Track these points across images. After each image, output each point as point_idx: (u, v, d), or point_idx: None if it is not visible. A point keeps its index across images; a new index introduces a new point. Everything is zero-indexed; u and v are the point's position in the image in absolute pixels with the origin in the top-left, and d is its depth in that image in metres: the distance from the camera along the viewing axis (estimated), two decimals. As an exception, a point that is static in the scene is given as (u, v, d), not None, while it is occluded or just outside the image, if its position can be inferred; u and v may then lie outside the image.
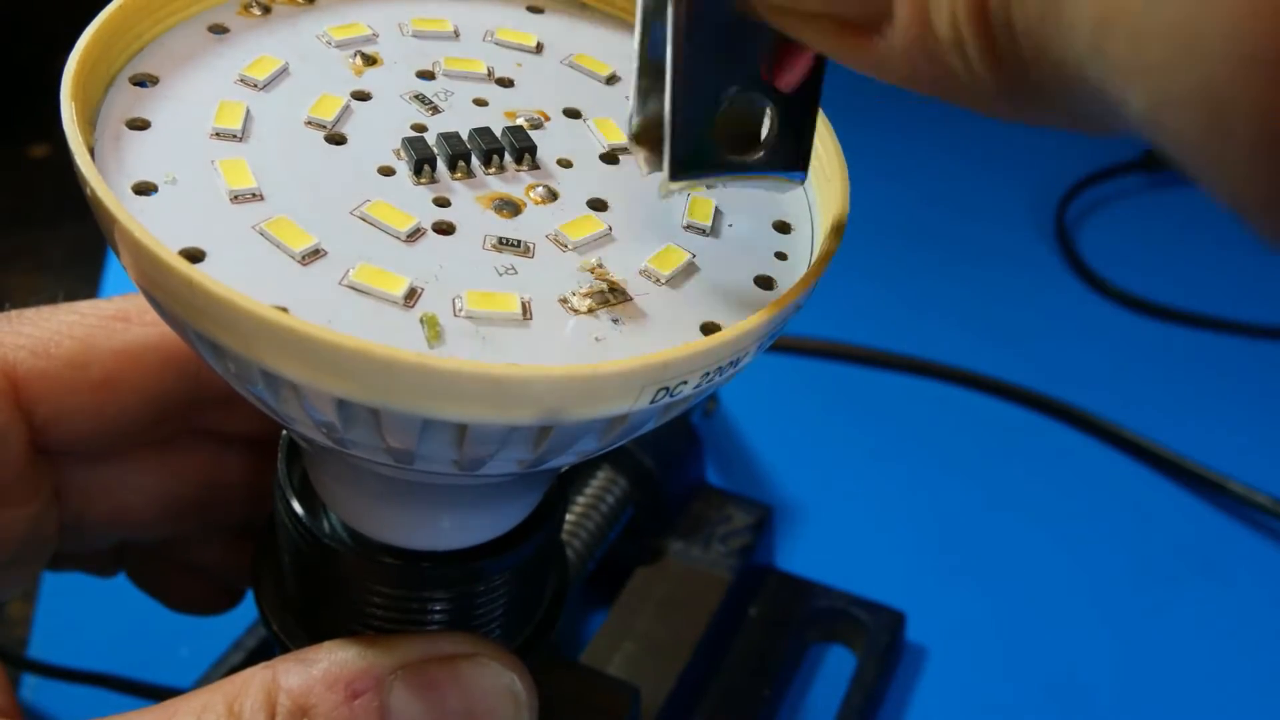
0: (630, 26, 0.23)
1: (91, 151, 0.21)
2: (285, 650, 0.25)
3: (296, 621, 0.28)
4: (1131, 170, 0.70)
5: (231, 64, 0.25)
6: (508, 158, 0.24)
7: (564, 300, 0.21)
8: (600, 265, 0.22)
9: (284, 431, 0.27)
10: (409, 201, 0.22)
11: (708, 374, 0.20)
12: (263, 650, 0.38)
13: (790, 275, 0.23)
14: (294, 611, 0.28)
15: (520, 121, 0.25)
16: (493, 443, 0.19)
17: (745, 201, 0.25)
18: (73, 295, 0.30)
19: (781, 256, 0.24)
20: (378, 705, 0.23)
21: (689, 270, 0.22)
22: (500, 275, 0.21)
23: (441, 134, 0.24)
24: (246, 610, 0.36)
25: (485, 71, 0.26)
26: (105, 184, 0.20)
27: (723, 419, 0.52)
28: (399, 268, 0.21)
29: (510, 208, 0.23)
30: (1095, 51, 0.14)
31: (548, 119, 0.26)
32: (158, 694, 0.38)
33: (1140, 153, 0.70)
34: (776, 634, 0.41)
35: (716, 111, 0.21)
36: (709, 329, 0.21)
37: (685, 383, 0.20)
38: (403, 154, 0.23)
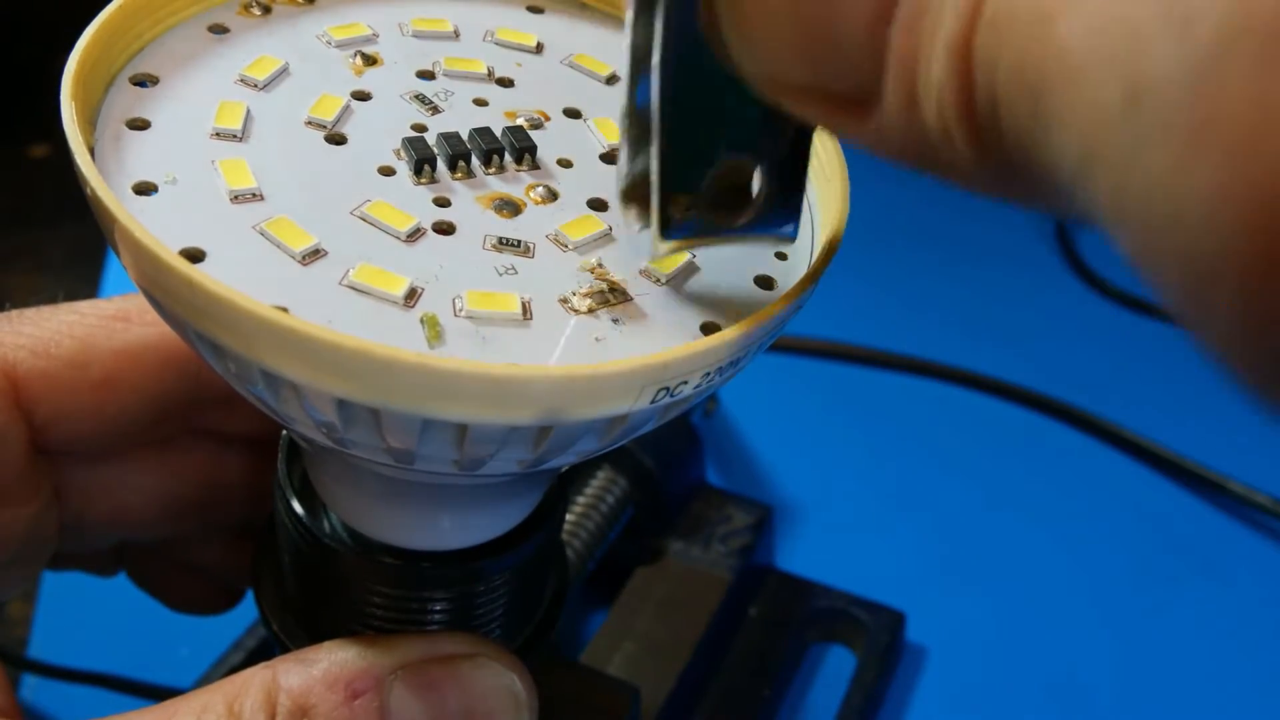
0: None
1: (91, 151, 0.21)
2: (285, 650, 0.25)
3: (296, 621, 0.28)
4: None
5: (231, 64, 0.25)
6: (508, 158, 0.24)
7: (564, 300, 0.21)
8: (600, 265, 0.22)
9: (284, 431, 0.27)
10: (409, 201, 0.22)
11: (708, 374, 0.20)
12: (263, 650, 0.38)
13: (790, 275, 0.23)
14: (294, 611, 0.28)
15: (520, 121, 0.25)
16: (493, 443, 0.19)
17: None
18: (73, 295, 0.30)
19: (781, 256, 0.24)
20: (378, 705, 0.23)
21: (689, 270, 0.22)
22: (500, 275, 0.21)
23: (442, 134, 0.24)
24: (246, 610, 0.36)
25: (485, 71, 0.26)
26: (105, 184, 0.20)
27: (723, 419, 0.52)
28: (399, 268, 0.21)
29: (510, 208, 0.23)
30: (1080, 181, 0.13)
31: (548, 119, 0.26)
32: (158, 694, 0.38)
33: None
34: (776, 634, 0.41)
35: (705, 174, 0.20)
36: (709, 329, 0.21)
37: (685, 383, 0.20)
38: (403, 154, 0.23)
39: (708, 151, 0.20)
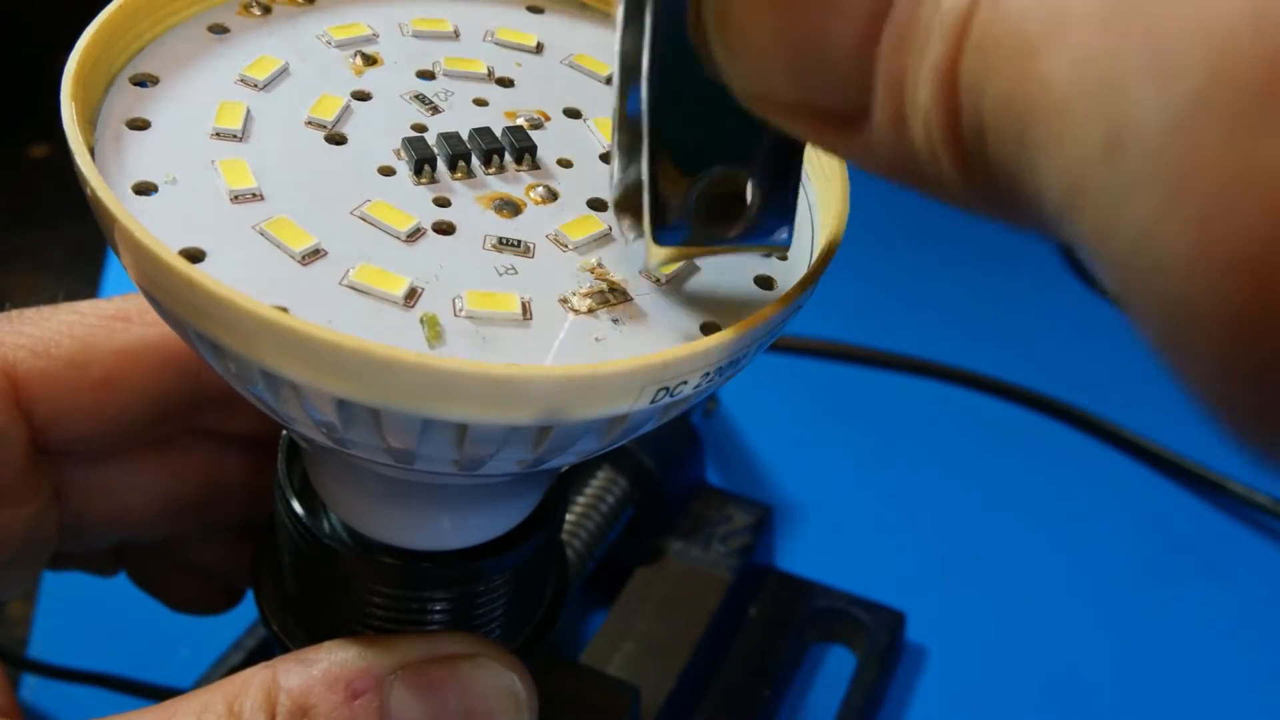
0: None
1: (91, 151, 0.21)
2: (285, 650, 0.25)
3: (296, 621, 0.28)
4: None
5: (231, 64, 0.25)
6: (508, 158, 0.24)
7: (564, 300, 0.21)
8: (600, 265, 0.22)
9: (284, 431, 0.27)
10: (409, 201, 0.22)
11: (708, 374, 0.20)
12: (263, 650, 0.38)
13: (790, 275, 0.23)
14: (294, 611, 0.28)
15: (520, 121, 0.25)
16: (493, 443, 0.19)
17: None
18: (73, 295, 0.30)
19: (782, 256, 0.24)
20: (378, 705, 0.23)
21: (689, 270, 0.22)
22: (500, 275, 0.21)
23: (442, 134, 0.24)
24: (246, 610, 0.36)
25: (485, 71, 0.26)
26: (105, 184, 0.20)
27: (723, 419, 0.52)
28: (399, 268, 0.21)
29: (510, 208, 0.23)
30: (1065, 213, 0.13)
31: (548, 119, 0.26)
32: (158, 694, 0.38)
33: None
34: (776, 634, 0.41)
35: (698, 184, 0.20)
36: (709, 329, 0.21)
37: (685, 383, 0.20)
38: (403, 154, 0.23)
39: (699, 161, 0.20)
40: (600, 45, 0.28)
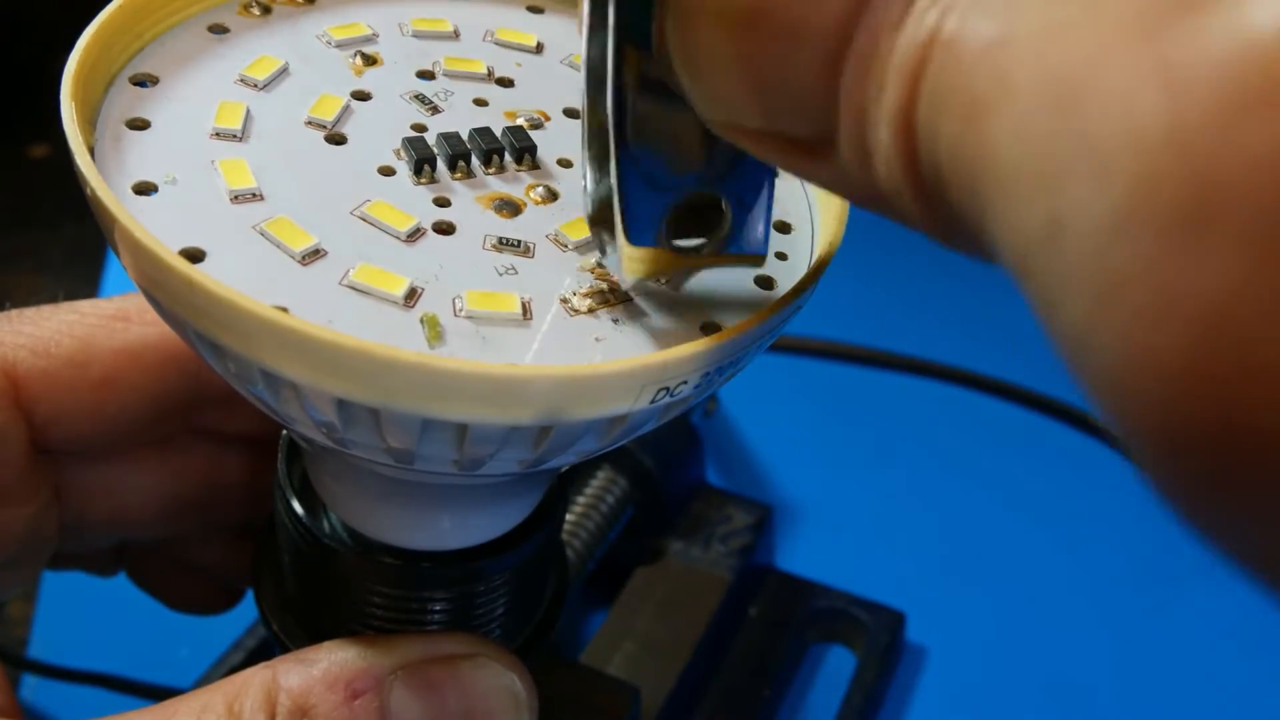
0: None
1: (91, 151, 0.21)
2: (285, 650, 0.25)
3: (296, 621, 0.28)
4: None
5: (231, 64, 0.25)
6: (508, 158, 0.24)
7: (564, 300, 0.21)
8: (600, 265, 0.22)
9: (284, 431, 0.27)
10: (409, 201, 0.22)
11: (708, 374, 0.20)
12: (263, 650, 0.38)
13: (790, 275, 0.23)
14: (294, 611, 0.28)
15: (520, 121, 0.25)
16: (493, 443, 0.19)
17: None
18: (73, 295, 0.30)
19: (781, 256, 0.24)
20: (378, 705, 0.23)
21: (688, 270, 0.22)
22: (500, 275, 0.21)
23: (441, 134, 0.24)
24: (246, 610, 0.36)
25: (485, 71, 0.26)
26: (105, 184, 0.20)
27: (723, 419, 0.52)
28: (399, 268, 0.21)
29: (510, 208, 0.23)
30: (1017, 275, 0.13)
31: (548, 119, 0.26)
32: (158, 694, 0.38)
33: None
34: (776, 634, 0.41)
35: (670, 198, 0.20)
36: (709, 329, 0.21)
37: (685, 383, 0.20)
38: (403, 154, 0.23)
39: (669, 176, 0.20)
40: (600, 45, 0.28)
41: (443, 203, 0.23)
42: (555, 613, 0.29)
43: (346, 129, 0.24)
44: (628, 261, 0.20)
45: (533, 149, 0.24)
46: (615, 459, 0.42)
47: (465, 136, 0.24)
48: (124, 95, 0.23)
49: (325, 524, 0.26)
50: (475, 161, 0.24)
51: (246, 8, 0.26)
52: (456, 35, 0.27)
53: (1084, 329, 0.12)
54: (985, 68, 0.13)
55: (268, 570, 0.29)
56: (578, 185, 0.24)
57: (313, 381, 0.18)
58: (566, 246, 0.22)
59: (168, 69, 0.24)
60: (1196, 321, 0.10)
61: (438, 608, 0.26)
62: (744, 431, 0.52)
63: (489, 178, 0.24)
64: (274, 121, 0.23)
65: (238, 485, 0.33)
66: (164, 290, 0.19)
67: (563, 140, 0.25)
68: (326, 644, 0.24)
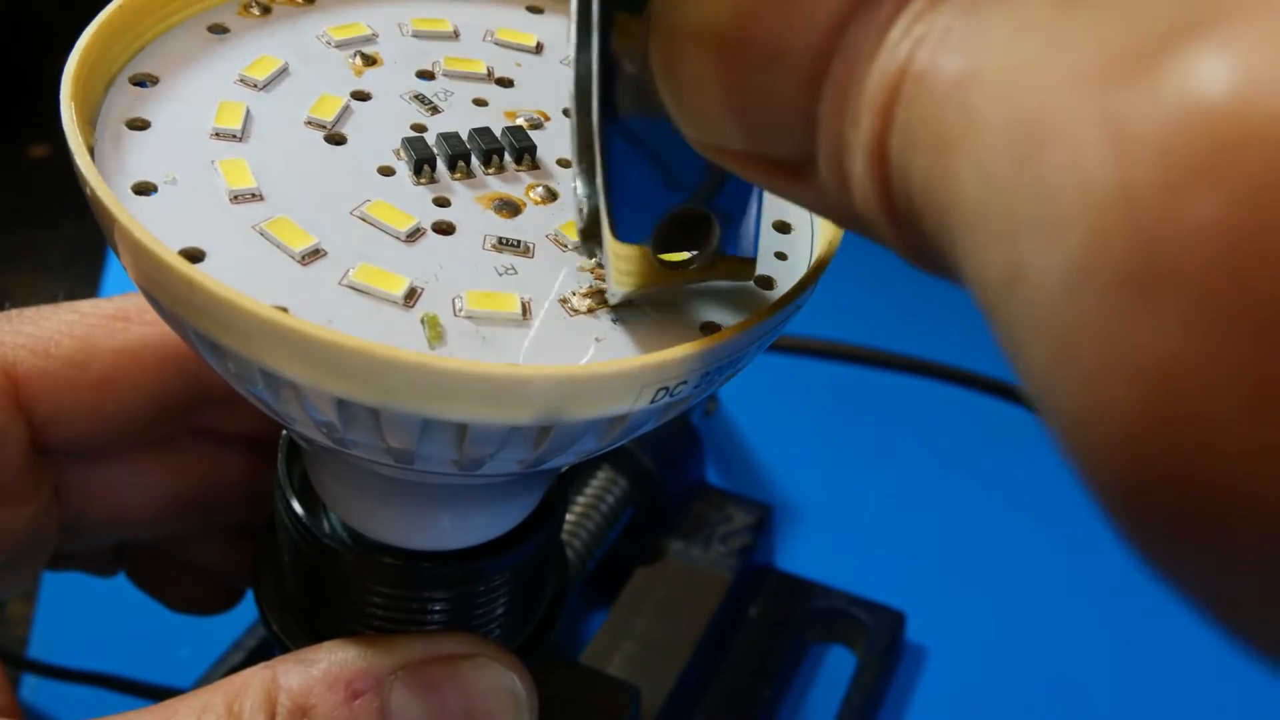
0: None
1: (91, 151, 0.21)
2: (285, 650, 0.25)
3: (296, 621, 0.28)
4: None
5: (231, 64, 0.25)
6: (507, 158, 0.24)
7: (564, 300, 0.21)
8: (600, 265, 0.22)
9: (284, 431, 0.27)
10: (409, 201, 0.22)
11: (708, 374, 0.20)
12: (263, 650, 0.38)
13: (790, 275, 0.23)
14: (294, 611, 0.28)
15: (520, 121, 0.25)
16: (493, 443, 0.19)
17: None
18: (73, 295, 0.30)
19: (781, 257, 0.24)
20: (378, 705, 0.23)
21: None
22: (500, 275, 0.21)
23: (441, 134, 0.24)
24: (246, 610, 0.36)
25: (485, 71, 0.26)
26: (105, 184, 0.20)
27: (723, 419, 0.52)
28: (399, 268, 0.21)
29: (510, 208, 0.23)
30: (984, 311, 0.13)
31: (548, 119, 0.26)
32: (158, 694, 0.38)
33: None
34: (776, 634, 0.41)
35: (658, 214, 0.20)
36: (709, 329, 0.21)
37: (685, 383, 0.20)
38: (403, 154, 0.23)
39: (657, 191, 0.20)
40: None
41: (442, 203, 0.23)
42: (555, 613, 0.29)
43: (346, 129, 0.24)
44: (616, 274, 0.20)
45: (532, 149, 0.24)
46: (615, 459, 0.42)
47: (465, 136, 0.24)
48: (124, 95, 0.23)
49: (325, 524, 0.26)
50: (475, 161, 0.24)
51: (246, 8, 0.26)
52: (456, 35, 0.27)
53: (1042, 375, 0.12)
54: (953, 103, 0.13)
55: (268, 570, 0.29)
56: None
57: (313, 381, 0.18)
58: (566, 246, 0.22)
59: (168, 69, 0.24)
60: (1146, 381, 0.10)
61: (438, 608, 0.26)
62: (744, 431, 0.52)
63: (489, 178, 0.24)
64: (274, 121, 0.23)
65: (238, 485, 0.33)
66: (164, 290, 0.19)
67: (562, 140, 0.25)
68: (326, 644, 0.24)
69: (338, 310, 0.20)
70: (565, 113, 0.26)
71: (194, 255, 0.20)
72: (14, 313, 0.29)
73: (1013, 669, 0.43)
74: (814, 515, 0.49)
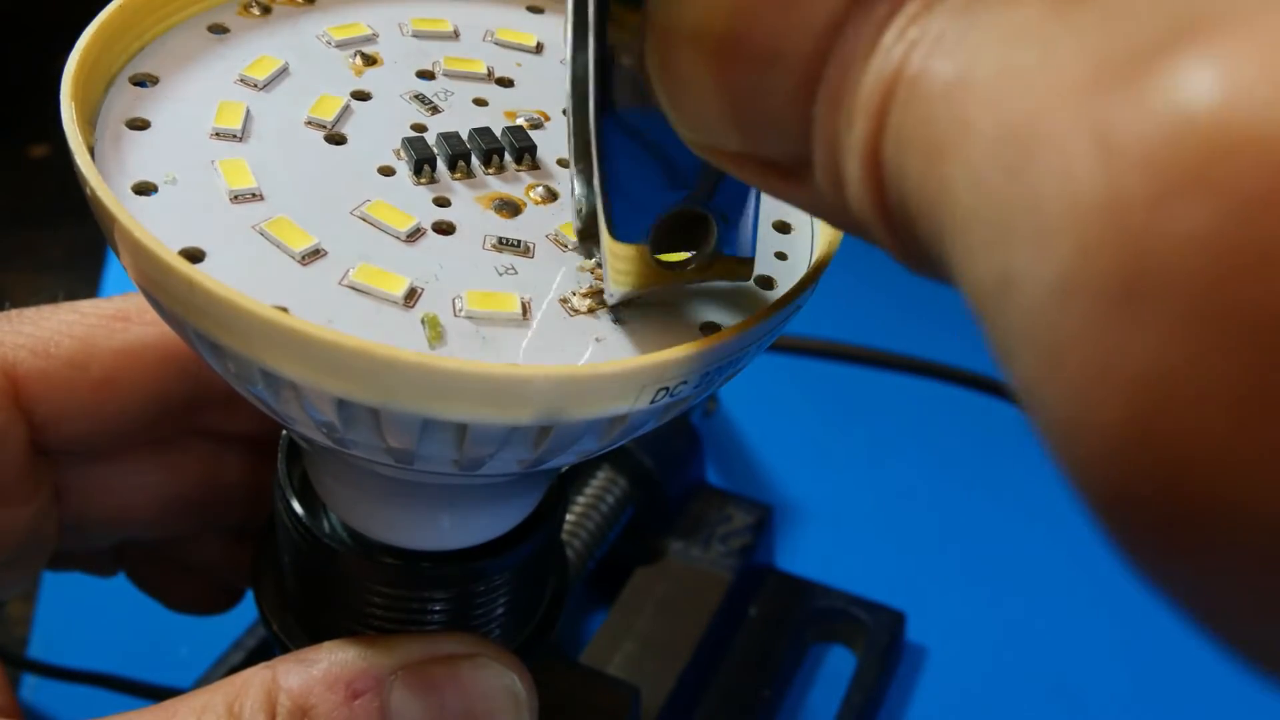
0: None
1: (91, 151, 0.21)
2: (285, 650, 0.25)
3: (296, 621, 0.28)
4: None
5: (231, 64, 0.25)
6: (507, 158, 0.24)
7: (564, 300, 0.21)
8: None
9: (284, 431, 0.27)
10: (409, 201, 0.22)
11: (708, 374, 0.20)
12: (263, 650, 0.38)
13: (790, 275, 0.23)
14: (294, 611, 0.28)
15: (520, 121, 0.25)
16: (493, 443, 0.19)
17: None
18: (73, 295, 0.30)
19: (781, 256, 0.24)
20: (378, 705, 0.23)
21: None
22: (500, 275, 0.21)
23: (441, 134, 0.24)
24: (246, 610, 0.36)
25: (485, 71, 0.26)
26: (105, 184, 0.20)
27: (723, 419, 0.52)
28: (399, 268, 0.21)
29: (510, 208, 0.23)
30: (977, 317, 0.13)
31: (548, 119, 0.26)
32: (158, 694, 0.38)
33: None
34: (776, 634, 0.41)
35: (655, 215, 0.20)
36: (709, 329, 0.21)
37: (685, 383, 0.20)
38: (403, 154, 0.23)
39: (654, 191, 0.20)
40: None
41: (443, 203, 0.23)
42: (555, 613, 0.29)
43: (346, 129, 0.24)
44: (614, 275, 0.20)
45: (532, 149, 0.24)
46: (615, 459, 0.42)
47: (465, 136, 0.24)
48: (124, 95, 0.23)
49: (325, 524, 0.26)
50: (475, 161, 0.24)
51: (246, 8, 0.26)
52: (456, 35, 0.27)
53: (1031, 384, 0.12)
54: (946, 108, 0.13)
55: (268, 570, 0.29)
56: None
57: (313, 381, 0.18)
58: (566, 246, 0.22)
59: (168, 69, 0.24)
60: (1132, 394, 0.10)
61: (438, 608, 0.26)
62: (744, 431, 0.52)
63: (489, 178, 0.24)
64: (274, 121, 0.23)
65: (238, 485, 0.33)
66: (164, 290, 0.19)
67: (563, 140, 0.25)
68: (326, 644, 0.24)
69: (338, 310, 0.20)
70: (565, 113, 0.26)
71: (194, 255, 0.20)
72: (14, 313, 0.29)
73: (1013, 669, 0.43)
74: (814, 515, 0.49)
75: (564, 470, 0.27)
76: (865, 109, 0.14)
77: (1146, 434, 0.10)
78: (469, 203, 0.23)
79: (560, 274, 0.22)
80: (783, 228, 0.24)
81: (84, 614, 0.42)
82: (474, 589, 0.26)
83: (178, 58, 0.24)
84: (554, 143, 0.25)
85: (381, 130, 0.24)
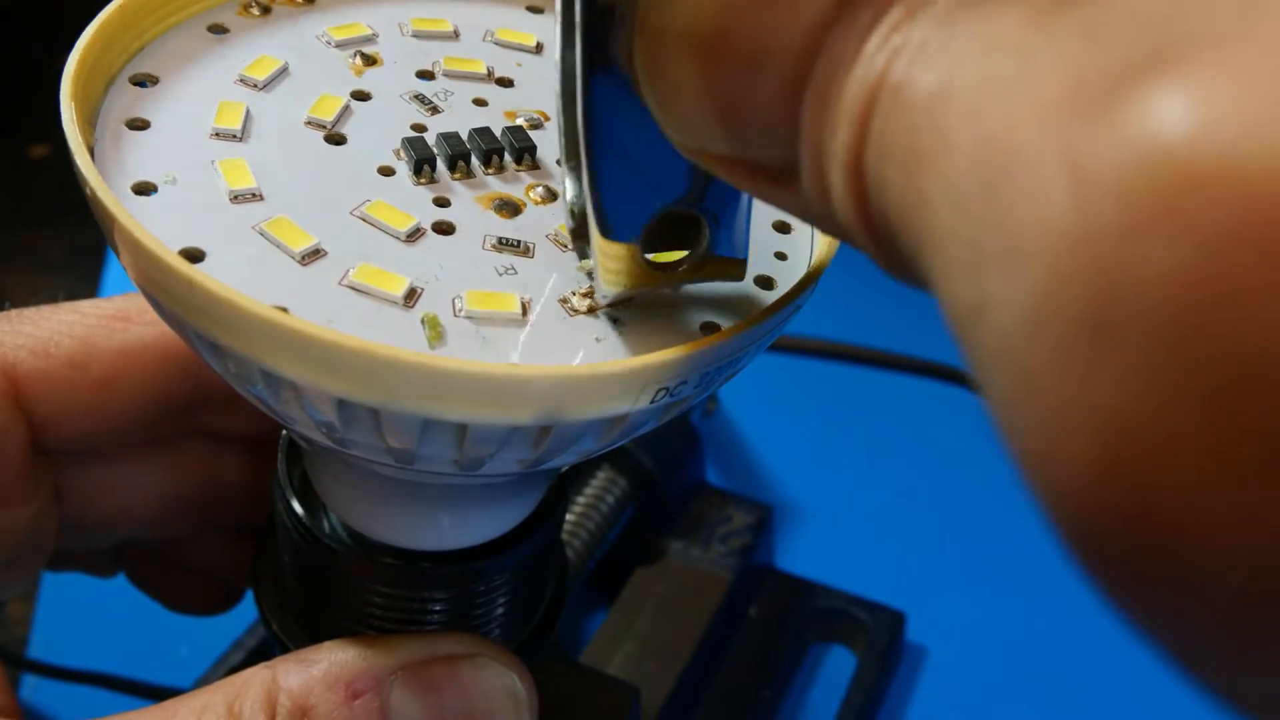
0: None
1: (91, 151, 0.21)
2: (285, 650, 0.25)
3: (296, 621, 0.28)
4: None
5: (231, 64, 0.25)
6: (507, 158, 0.24)
7: (564, 300, 0.21)
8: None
9: (284, 431, 0.27)
10: (409, 201, 0.22)
11: (708, 374, 0.20)
12: (263, 650, 0.38)
13: (790, 275, 0.23)
14: (294, 611, 0.28)
15: (520, 121, 0.25)
16: (493, 443, 0.19)
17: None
18: (73, 295, 0.30)
19: (781, 257, 0.24)
20: (378, 706, 0.23)
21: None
22: (500, 275, 0.21)
23: (441, 134, 0.24)
24: (246, 610, 0.36)
25: (485, 71, 0.26)
26: (105, 184, 0.20)
27: (723, 419, 0.52)
28: (399, 268, 0.21)
29: (510, 208, 0.23)
30: (955, 338, 0.13)
31: (548, 119, 0.26)
32: (158, 694, 0.38)
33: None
34: (776, 634, 0.41)
35: (645, 214, 0.20)
36: (709, 329, 0.21)
37: (685, 383, 0.20)
38: (403, 154, 0.23)
39: (644, 190, 0.20)
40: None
41: (442, 203, 0.23)
42: (555, 613, 0.29)
43: (346, 129, 0.24)
44: (605, 273, 0.20)
45: (532, 149, 0.24)
46: (615, 459, 0.42)
47: (465, 136, 0.24)
48: (124, 95, 0.23)
49: (325, 524, 0.26)
50: (475, 161, 0.24)
51: (246, 8, 0.26)
52: (456, 35, 0.27)
53: (1003, 411, 0.12)
54: (927, 118, 0.13)
55: (268, 570, 0.29)
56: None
57: (313, 381, 0.18)
58: (566, 246, 0.22)
59: (168, 69, 0.24)
60: (1099, 432, 0.10)
61: (438, 608, 0.26)
62: (744, 431, 0.52)
63: (489, 178, 0.24)
64: (274, 121, 0.23)
65: (238, 485, 0.33)
66: (164, 290, 0.19)
67: (563, 140, 0.25)
68: (326, 644, 0.24)
69: (338, 310, 0.20)
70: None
71: (194, 255, 0.20)
72: (14, 313, 0.29)
73: (1013, 669, 0.43)
74: (814, 515, 0.49)
75: (564, 470, 0.27)
76: (848, 116, 0.14)
77: (1113, 472, 0.10)
78: (469, 203, 0.23)
79: (560, 274, 0.22)
80: (783, 228, 0.24)
81: (84, 614, 0.42)
82: (474, 589, 0.26)
83: (178, 58, 0.24)
84: (554, 143, 0.25)
85: (381, 130, 0.24)
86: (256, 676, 0.23)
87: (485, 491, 0.25)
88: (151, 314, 0.29)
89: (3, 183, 0.70)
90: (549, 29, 0.29)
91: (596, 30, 0.18)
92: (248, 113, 0.23)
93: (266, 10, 0.26)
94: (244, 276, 0.20)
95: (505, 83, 0.26)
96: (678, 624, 0.39)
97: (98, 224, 0.20)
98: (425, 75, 0.26)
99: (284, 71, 0.25)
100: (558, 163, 0.24)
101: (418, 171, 0.23)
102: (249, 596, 0.35)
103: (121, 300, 0.29)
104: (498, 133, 0.24)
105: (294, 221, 0.21)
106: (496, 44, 0.28)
